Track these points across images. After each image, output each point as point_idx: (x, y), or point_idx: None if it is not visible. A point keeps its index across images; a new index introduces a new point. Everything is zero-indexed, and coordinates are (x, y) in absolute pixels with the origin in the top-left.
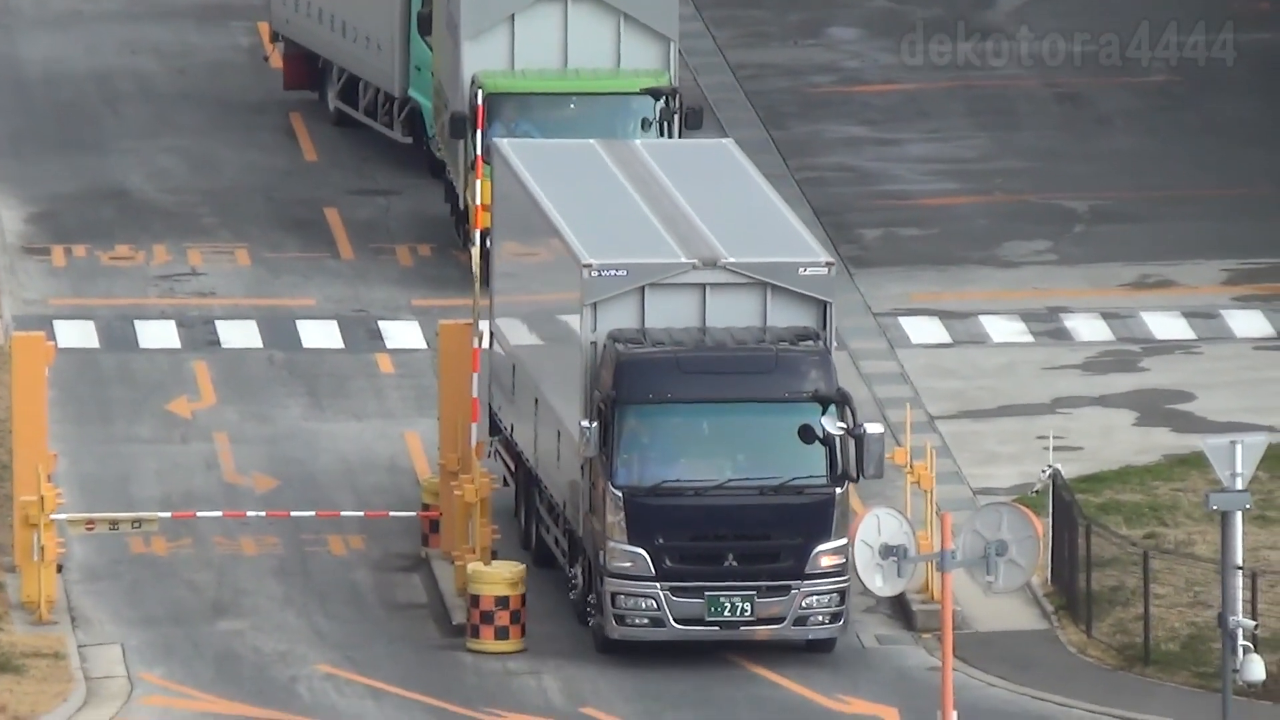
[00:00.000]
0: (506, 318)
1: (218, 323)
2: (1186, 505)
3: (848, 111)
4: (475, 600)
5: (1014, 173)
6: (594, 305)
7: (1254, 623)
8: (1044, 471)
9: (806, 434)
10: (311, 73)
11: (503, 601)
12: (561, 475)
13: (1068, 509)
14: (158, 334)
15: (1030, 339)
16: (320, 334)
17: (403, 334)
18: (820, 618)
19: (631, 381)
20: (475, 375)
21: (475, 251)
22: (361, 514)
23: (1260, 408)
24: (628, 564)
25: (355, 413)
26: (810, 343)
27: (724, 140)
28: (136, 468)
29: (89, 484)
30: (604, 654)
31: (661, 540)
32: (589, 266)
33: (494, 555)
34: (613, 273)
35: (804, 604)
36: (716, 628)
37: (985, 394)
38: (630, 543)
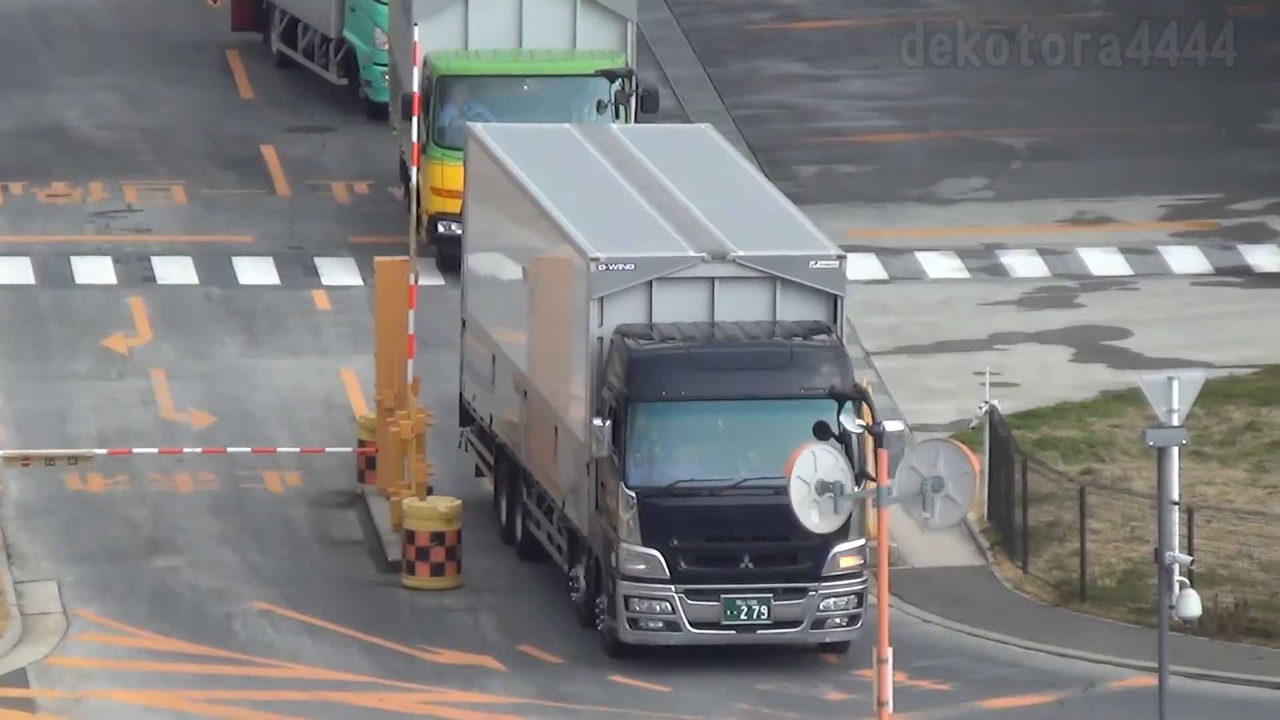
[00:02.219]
0: (484, 306)
1: (154, 259)
2: (1123, 441)
3: (785, 48)
4: (411, 536)
5: (951, 110)
6: (600, 300)
7: (1190, 558)
8: (981, 407)
9: (822, 431)
10: (258, 14)
11: (438, 537)
12: (560, 472)
13: (1004, 445)
14: (94, 270)
15: (967, 275)
16: (257, 271)
17: (339, 271)
18: (838, 620)
19: (644, 379)
20: (411, 312)
21: (412, 188)
22: (297, 450)
23: (1197, 344)
24: (641, 566)
25: (292, 349)
26: (824, 337)
27: (702, 126)
28: (73, 404)
29: (25, 420)
30: (616, 658)
31: (676, 542)
32: (596, 260)
33: (429, 491)
34: (620, 266)
35: (821, 606)
36: (733, 631)
37: (922, 330)
38: (644, 544)
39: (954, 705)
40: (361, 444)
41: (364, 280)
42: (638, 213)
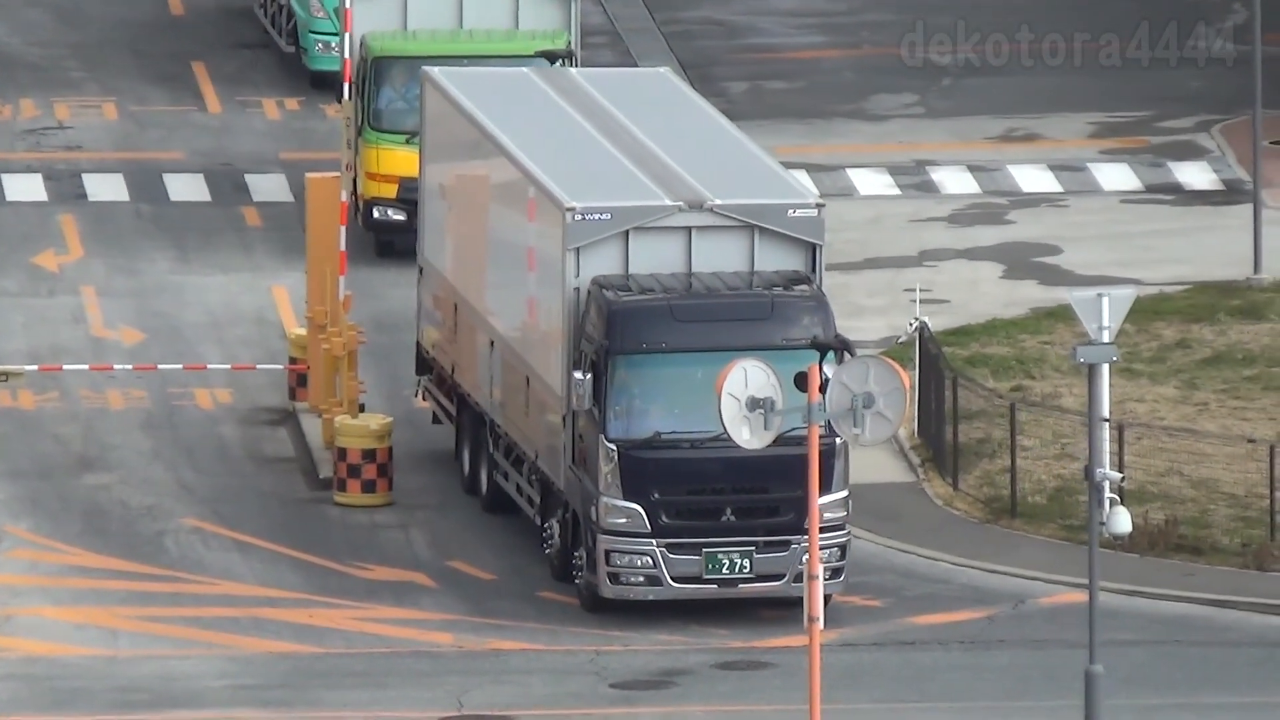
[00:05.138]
0: (445, 254)
1: (85, 176)
2: (1053, 358)
3: None
4: (342, 454)
5: (881, 26)
6: (577, 250)
7: (1120, 475)
8: (911, 324)
9: (804, 383)
10: None
11: (370, 455)
12: (532, 424)
13: (935, 361)
14: (25, 187)
15: (897, 192)
16: (187, 187)
17: (270, 187)
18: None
19: (624, 331)
20: (343, 228)
21: (345, 105)
22: (228, 367)
23: (1127, 261)
24: (622, 520)
25: (222, 266)
26: (804, 287)
27: (661, 69)
28: (3, 321)
29: None
30: (594, 612)
31: (657, 495)
32: (572, 210)
33: (361, 409)
34: (596, 216)
35: (804, 559)
36: (715, 585)
37: (852, 247)
38: (625, 498)
39: (884, 621)
40: (293, 361)
41: (295, 197)
42: (609, 161)
